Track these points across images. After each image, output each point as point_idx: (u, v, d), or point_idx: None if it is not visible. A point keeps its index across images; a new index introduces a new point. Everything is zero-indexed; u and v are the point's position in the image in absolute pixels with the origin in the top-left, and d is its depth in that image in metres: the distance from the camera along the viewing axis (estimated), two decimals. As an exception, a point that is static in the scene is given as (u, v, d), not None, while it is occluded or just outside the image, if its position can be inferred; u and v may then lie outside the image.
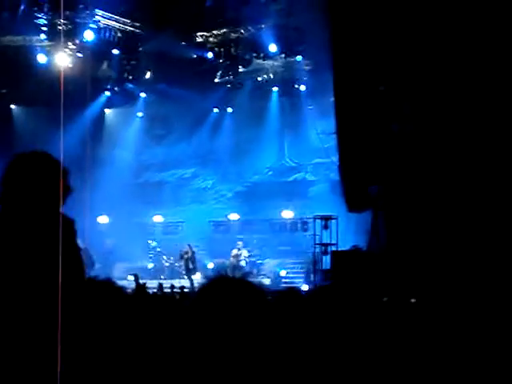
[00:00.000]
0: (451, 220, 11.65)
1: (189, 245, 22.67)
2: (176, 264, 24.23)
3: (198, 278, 21.76)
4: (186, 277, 21.70)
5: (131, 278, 17.53)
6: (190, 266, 22.22)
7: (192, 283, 20.19)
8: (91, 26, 22.13)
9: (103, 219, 25.91)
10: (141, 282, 15.69)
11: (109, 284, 2.16)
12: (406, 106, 12.49)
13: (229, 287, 2.14)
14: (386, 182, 13.01)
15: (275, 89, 25.11)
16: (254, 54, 22.85)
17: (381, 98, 12.70)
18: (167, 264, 24.33)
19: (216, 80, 24.19)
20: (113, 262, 23.42)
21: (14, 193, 3.51)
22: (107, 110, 26.75)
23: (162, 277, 22.56)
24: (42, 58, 22.64)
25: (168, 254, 24.59)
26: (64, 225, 3.47)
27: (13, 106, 24.11)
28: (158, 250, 24.38)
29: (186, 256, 22.31)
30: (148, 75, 24.23)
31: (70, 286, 3.23)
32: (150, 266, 23.93)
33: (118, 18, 22.59)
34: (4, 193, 3.53)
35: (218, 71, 23.96)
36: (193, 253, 22.52)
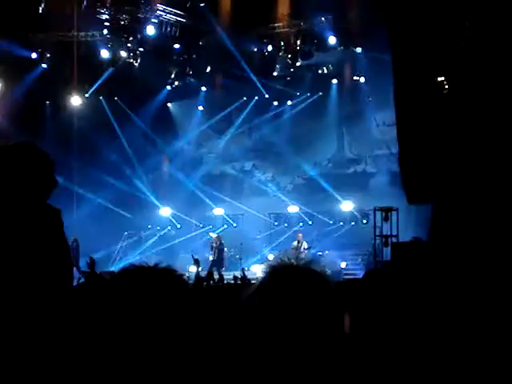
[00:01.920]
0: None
1: (217, 236, 22.81)
2: (237, 256, 24.42)
3: (257, 270, 21.85)
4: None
5: (193, 269, 17.69)
6: (214, 257, 22.27)
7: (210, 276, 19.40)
8: (152, 20, 22.44)
9: (165, 211, 26.26)
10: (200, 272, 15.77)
11: (169, 272, 2.18)
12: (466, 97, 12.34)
13: (295, 274, 2.16)
14: (447, 175, 12.87)
15: (334, 81, 25.04)
16: (314, 47, 22.81)
17: (442, 89, 12.58)
18: (228, 256, 24.50)
19: (275, 73, 24.25)
20: (175, 253, 23.77)
21: None
22: (169, 104, 27.05)
23: (223, 268, 22.72)
24: (104, 53, 23.06)
25: (228, 245, 24.79)
26: (50, 215, 3.46)
27: (77, 99, 24.51)
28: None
29: (214, 245, 22.43)
30: (208, 69, 24.40)
31: (57, 276, 3.24)
32: (211, 257, 24.15)
33: (178, 12, 22.82)
34: None
35: (277, 64, 24.02)
36: (221, 244, 22.63)
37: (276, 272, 2.16)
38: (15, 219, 3.39)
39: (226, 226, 26.11)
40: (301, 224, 25.12)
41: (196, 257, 16.64)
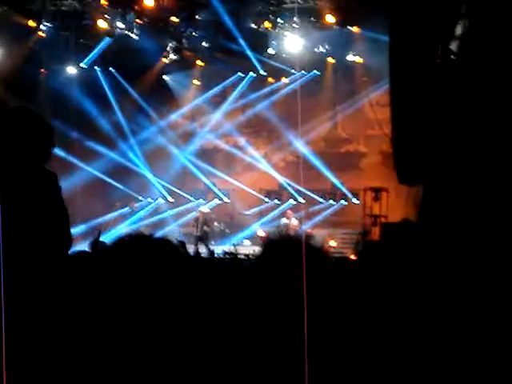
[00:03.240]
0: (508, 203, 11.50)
1: (200, 210, 22.90)
2: (226, 230, 24.54)
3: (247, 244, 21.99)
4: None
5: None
6: (197, 233, 22.32)
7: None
8: (150, -8, 22.28)
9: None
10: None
11: (165, 243, 2.21)
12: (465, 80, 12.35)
13: (292, 246, 2.21)
14: (439, 156, 12.95)
15: (330, 60, 24.98)
16: (310, 25, 22.72)
17: (439, 71, 12.61)
18: (217, 230, 24.62)
19: (272, 50, 24.16)
20: (165, 226, 23.86)
21: None
22: (165, 76, 26.97)
23: (212, 242, 22.83)
24: (101, 24, 22.91)
25: (218, 220, 24.88)
26: (47, 178, 3.48)
27: (72, 68, 24.42)
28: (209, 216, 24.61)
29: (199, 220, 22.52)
30: (204, 43, 24.31)
31: (55, 241, 3.25)
32: (196, 233, 24.17)
33: (176, -16, 22.69)
34: None
35: (273, 41, 23.92)
36: (205, 218, 22.69)
37: (274, 245, 2.21)
38: (13, 183, 3.40)
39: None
40: (291, 201, 25.19)
41: (179, 238, 16.80)
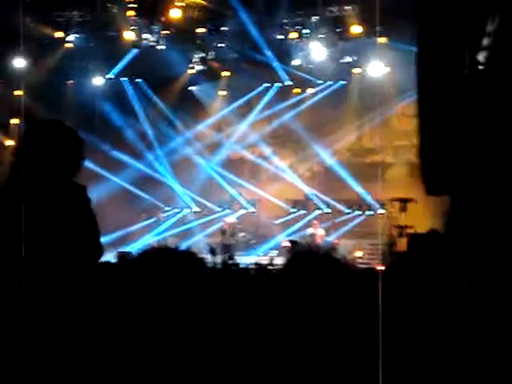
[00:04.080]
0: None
1: (225, 220, 22.90)
2: (252, 241, 24.52)
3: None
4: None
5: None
6: (224, 243, 22.25)
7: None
8: (177, 3, 22.39)
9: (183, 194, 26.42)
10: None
11: (190, 255, 2.22)
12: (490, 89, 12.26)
13: (318, 260, 2.20)
14: (466, 168, 12.85)
15: (357, 70, 24.94)
16: (338, 36, 22.70)
17: (467, 82, 12.54)
18: (243, 240, 24.60)
19: (298, 61, 24.16)
20: (192, 236, 23.91)
21: (26, 161, 3.42)
22: (192, 88, 27.08)
23: (238, 253, 22.79)
24: (128, 35, 23.06)
25: (243, 230, 24.87)
26: (77, 190, 3.48)
27: (99, 79, 24.64)
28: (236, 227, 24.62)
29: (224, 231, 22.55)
30: (231, 54, 24.38)
31: (84, 253, 3.26)
32: (223, 243, 24.17)
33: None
34: (17, 162, 3.45)
35: (299, 52, 23.94)
36: (232, 229, 22.69)
37: (299, 258, 2.21)
38: (43, 195, 3.42)
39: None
40: (318, 211, 25.13)
41: (212, 245, 16.83)
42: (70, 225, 3.34)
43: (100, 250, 3.45)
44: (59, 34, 22.34)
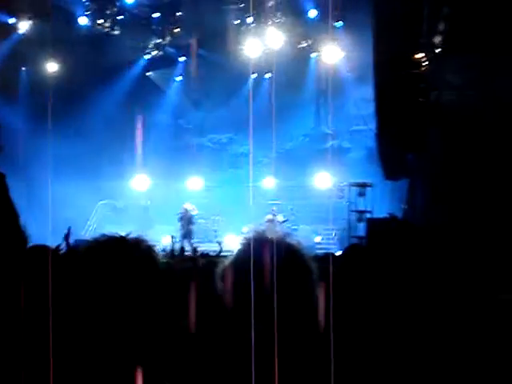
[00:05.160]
0: (489, 194, 11.52)
1: (185, 207, 22.84)
2: (212, 228, 24.44)
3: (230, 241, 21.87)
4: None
5: (167, 240, 17.70)
6: (183, 230, 22.29)
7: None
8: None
9: (142, 181, 26.20)
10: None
11: (139, 243, 2.20)
12: (449, 75, 12.36)
13: (271, 247, 2.17)
14: (423, 151, 12.93)
15: (313, 55, 24.93)
16: (294, 20, 22.67)
17: (421, 65, 12.59)
18: (203, 227, 24.51)
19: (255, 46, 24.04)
20: (149, 224, 23.71)
21: None
22: (149, 73, 26.83)
23: (195, 240, 22.68)
24: (82, 20, 22.78)
25: (204, 217, 24.78)
26: None
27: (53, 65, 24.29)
28: (195, 213, 24.46)
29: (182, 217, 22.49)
30: (187, 39, 24.22)
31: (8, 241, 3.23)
32: (181, 230, 24.05)
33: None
34: None
35: (258, 36, 23.84)
36: (189, 215, 22.63)
37: (252, 245, 2.17)
38: None
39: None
40: (275, 198, 25.13)
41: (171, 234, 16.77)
42: None
43: (22, 237, 3.44)
44: (11, 20, 21.98)
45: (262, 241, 2.21)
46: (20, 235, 3.34)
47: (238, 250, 2.26)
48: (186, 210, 22.76)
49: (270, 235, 2.23)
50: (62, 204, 20.44)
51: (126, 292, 2.05)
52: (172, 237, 16.26)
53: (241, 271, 2.15)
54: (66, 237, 8.50)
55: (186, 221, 22.37)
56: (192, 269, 5.48)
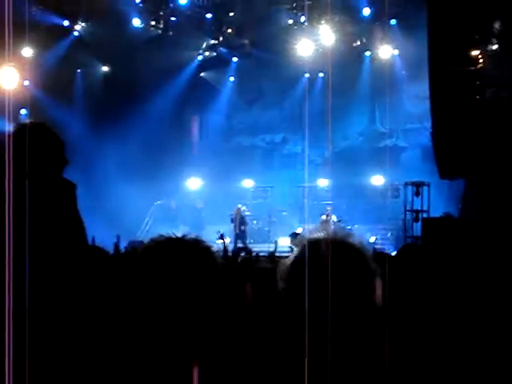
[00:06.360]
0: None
1: (238, 208, 22.82)
2: (265, 228, 24.42)
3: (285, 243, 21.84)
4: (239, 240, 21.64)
5: (219, 241, 17.74)
6: (236, 230, 22.30)
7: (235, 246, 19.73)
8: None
9: (194, 181, 26.33)
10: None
11: (197, 243, 2.19)
12: (505, 72, 12.12)
13: (333, 247, 2.14)
14: (480, 150, 12.70)
15: (368, 53, 24.75)
16: (348, 19, 22.53)
17: (477, 62, 12.38)
18: (256, 228, 24.52)
19: (308, 45, 23.96)
20: (202, 225, 23.81)
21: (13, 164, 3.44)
22: (203, 74, 26.96)
23: (251, 240, 22.72)
24: (136, 22, 23.01)
25: (257, 218, 24.79)
26: (65, 188, 3.52)
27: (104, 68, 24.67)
28: (247, 213, 24.49)
29: (234, 218, 22.52)
30: (240, 40, 24.27)
31: (70, 248, 3.26)
32: (235, 231, 24.11)
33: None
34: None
35: (311, 35, 23.76)
36: (241, 216, 22.64)
37: (313, 245, 2.14)
38: (29, 193, 3.36)
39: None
40: (330, 197, 24.99)
41: (221, 232, 16.74)
42: (53, 221, 3.35)
43: (86, 245, 3.50)
44: (66, 22, 22.31)
45: (324, 241, 2.18)
46: (84, 244, 3.39)
47: (299, 250, 2.23)
48: (239, 210, 22.81)
49: (330, 235, 2.20)
50: (121, 205, 20.76)
51: (185, 292, 2.05)
52: (222, 235, 16.20)
53: (303, 272, 2.12)
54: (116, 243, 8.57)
55: (239, 222, 22.41)
56: (266, 269, 5.45)
